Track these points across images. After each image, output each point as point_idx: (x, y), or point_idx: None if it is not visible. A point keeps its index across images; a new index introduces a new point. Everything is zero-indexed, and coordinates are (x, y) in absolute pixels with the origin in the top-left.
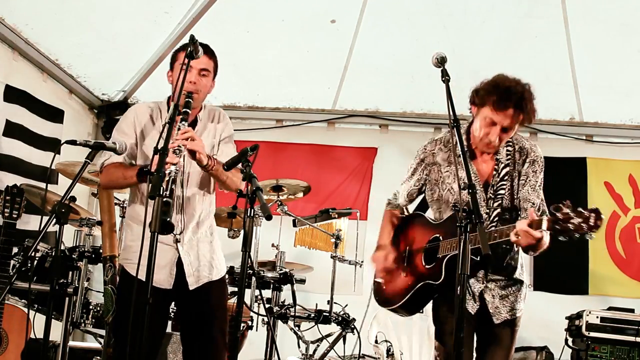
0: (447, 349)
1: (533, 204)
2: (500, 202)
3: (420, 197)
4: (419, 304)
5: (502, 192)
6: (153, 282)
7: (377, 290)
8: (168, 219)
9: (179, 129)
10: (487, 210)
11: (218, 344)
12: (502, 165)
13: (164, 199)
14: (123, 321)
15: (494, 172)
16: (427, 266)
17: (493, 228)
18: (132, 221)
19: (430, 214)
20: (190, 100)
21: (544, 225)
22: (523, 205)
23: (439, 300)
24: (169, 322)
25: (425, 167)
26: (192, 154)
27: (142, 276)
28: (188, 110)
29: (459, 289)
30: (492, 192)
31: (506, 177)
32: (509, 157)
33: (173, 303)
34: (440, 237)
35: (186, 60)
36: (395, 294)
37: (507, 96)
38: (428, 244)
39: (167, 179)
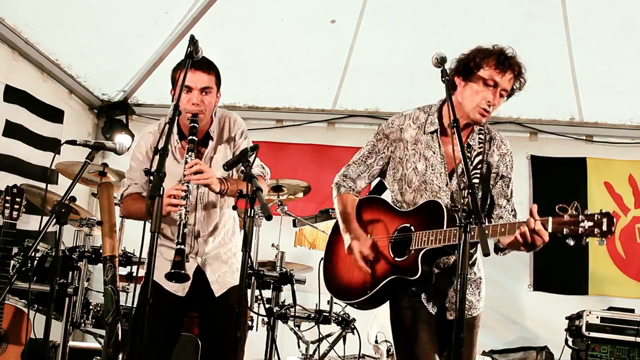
0: (404, 346)
1: (508, 200)
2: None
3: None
4: (384, 298)
5: (476, 181)
6: (169, 288)
7: (331, 280)
8: (183, 272)
9: (186, 162)
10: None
11: (241, 346)
12: (475, 152)
13: (178, 247)
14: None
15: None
16: (397, 259)
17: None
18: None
19: (386, 196)
20: (195, 125)
21: (550, 226)
22: (498, 202)
23: (399, 294)
24: None
25: (391, 144)
26: (204, 185)
27: (155, 277)
28: (194, 138)
29: (459, 288)
30: (463, 179)
31: (479, 166)
32: (480, 144)
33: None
34: (412, 227)
35: (186, 82)
36: (358, 287)
37: (505, 56)
38: (396, 234)
39: (179, 222)
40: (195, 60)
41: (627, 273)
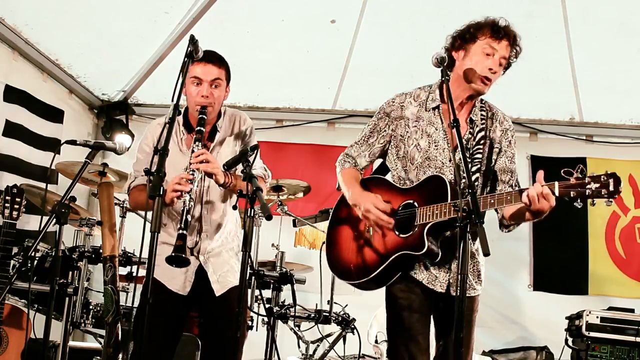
0: (400, 328)
1: (511, 175)
2: (478, 166)
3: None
4: (390, 276)
5: (479, 156)
6: (170, 287)
7: (335, 261)
8: (183, 255)
9: (192, 151)
10: (465, 175)
11: (240, 346)
12: (478, 128)
13: (180, 232)
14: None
15: (469, 135)
16: (402, 235)
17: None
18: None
19: (389, 178)
20: (204, 117)
21: (557, 190)
22: (502, 177)
23: (401, 276)
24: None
25: (392, 122)
26: (209, 174)
27: (157, 276)
28: (202, 129)
29: (459, 289)
30: (467, 155)
31: (482, 141)
32: (483, 121)
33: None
34: (415, 203)
35: (196, 73)
36: (363, 267)
37: (499, 26)
38: (400, 210)
39: (182, 207)
40: (206, 53)
41: (627, 273)
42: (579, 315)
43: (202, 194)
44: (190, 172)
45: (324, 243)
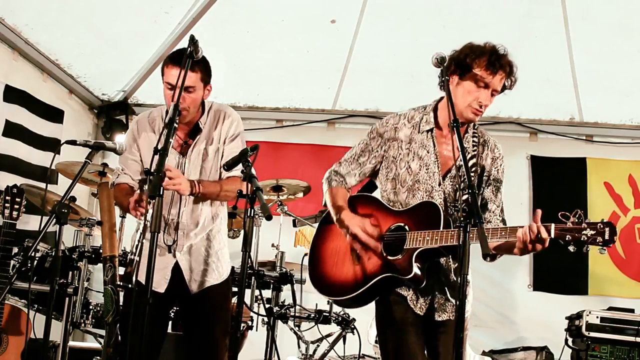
0: (393, 344)
1: (497, 205)
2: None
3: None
4: (372, 297)
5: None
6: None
7: (318, 276)
8: (130, 285)
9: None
10: (454, 203)
11: (220, 346)
12: (469, 155)
13: (130, 257)
14: (125, 323)
15: (460, 163)
16: (389, 257)
17: (499, 226)
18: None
19: (378, 195)
20: (176, 125)
21: (552, 232)
22: (487, 205)
23: (387, 294)
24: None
25: (385, 143)
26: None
27: (140, 278)
28: (171, 141)
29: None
30: (459, 181)
31: (473, 168)
32: (475, 147)
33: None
34: (406, 227)
35: (169, 78)
36: (346, 284)
37: (497, 57)
38: (389, 232)
39: (137, 228)
40: (177, 57)
41: (627, 273)
42: (578, 315)
43: (175, 200)
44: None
45: (305, 254)
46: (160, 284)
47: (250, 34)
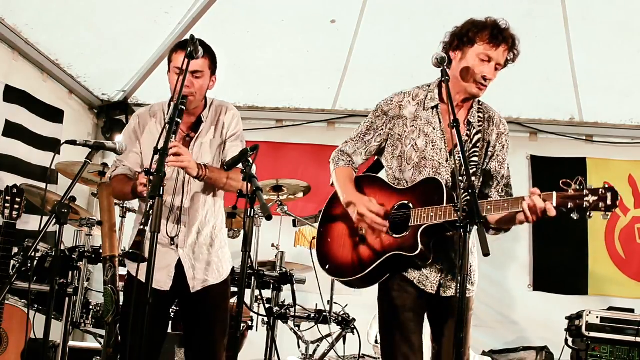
0: (393, 327)
1: (499, 181)
2: (474, 169)
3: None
4: (380, 276)
5: (475, 159)
6: (153, 284)
7: (326, 257)
8: (138, 252)
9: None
10: (460, 178)
11: (218, 345)
12: (475, 130)
13: (140, 227)
14: (126, 323)
15: (466, 138)
16: (395, 235)
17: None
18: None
19: (384, 175)
20: (183, 107)
21: (554, 201)
22: (491, 182)
23: (392, 275)
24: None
25: (390, 120)
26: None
27: (141, 277)
28: (179, 120)
29: (459, 288)
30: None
31: (478, 144)
32: (480, 123)
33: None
34: (411, 204)
35: (178, 63)
36: (353, 265)
37: (499, 30)
38: (394, 211)
39: (146, 204)
40: (187, 43)
41: (627, 273)
42: (579, 315)
43: (184, 184)
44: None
45: (314, 238)
46: (164, 282)
47: (250, 34)
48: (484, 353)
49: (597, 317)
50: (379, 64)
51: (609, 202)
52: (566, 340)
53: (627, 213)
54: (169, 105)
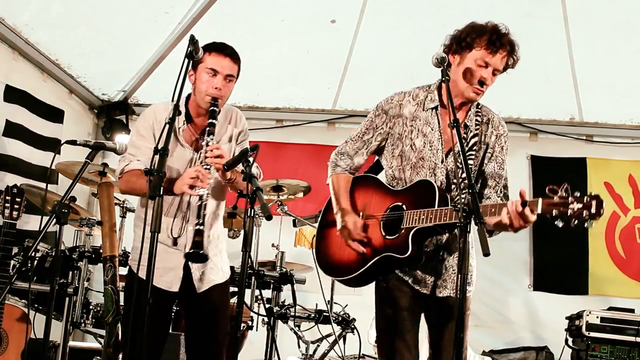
0: (389, 326)
1: (498, 180)
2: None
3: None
4: (374, 276)
5: (470, 162)
6: (161, 285)
7: (322, 256)
8: (201, 252)
9: (207, 144)
10: (455, 181)
11: (221, 345)
12: (472, 134)
13: (197, 227)
14: (128, 322)
15: (463, 141)
16: (388, 237)
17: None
18: (140, 222)
19: (382, 175)
20: (215, 109)
21: (539, 207)
22: (488, 182)
23: (387, 275)
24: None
25: (390, 119)
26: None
27: (143, 275)
28: (214, 122)
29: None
30: (460, 160)
31: (474, 147)
32: (477, 126)
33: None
34: (404, 206)
35: (213, 65)
36: (349, 264)
37: (498, 36)
38: (387, 212)
39: (199, 203)
40: (225, 46)
41: (627, 273)
42: (579, 315)
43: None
44: (206, 167)
45: (314, 237)
46: (173, 283)
47: (250, 34)
48: (484, 353)
49: (597, 317)
50: (379, 64)
51: (593, 210)
52: (566, 340)
53: (627, 213)
54: (187, 104)
